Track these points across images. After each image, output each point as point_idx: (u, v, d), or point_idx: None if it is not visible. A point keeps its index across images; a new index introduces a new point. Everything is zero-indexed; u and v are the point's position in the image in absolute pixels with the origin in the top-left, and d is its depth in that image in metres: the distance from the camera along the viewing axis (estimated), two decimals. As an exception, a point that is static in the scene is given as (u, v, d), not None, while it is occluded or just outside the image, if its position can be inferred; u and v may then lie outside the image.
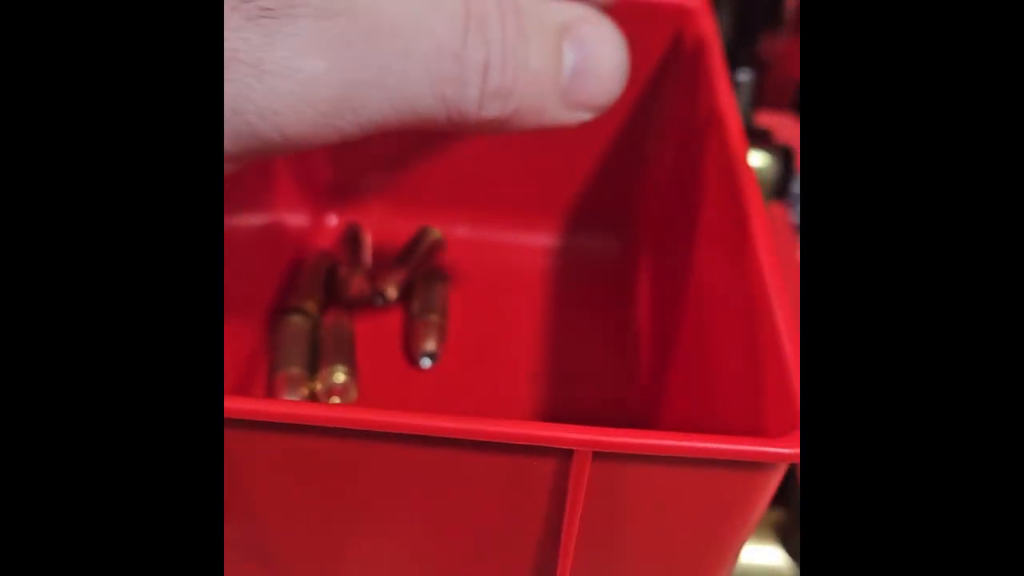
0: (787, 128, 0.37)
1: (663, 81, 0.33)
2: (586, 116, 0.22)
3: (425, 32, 0.19)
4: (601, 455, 0.18)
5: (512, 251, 0.36)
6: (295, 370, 0.30)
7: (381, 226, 0.36)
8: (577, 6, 0.22)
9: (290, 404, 0.18)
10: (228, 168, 0.19)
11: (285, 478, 0.19)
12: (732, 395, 0.23)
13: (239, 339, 0.30)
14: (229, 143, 0.18)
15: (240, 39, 0.18)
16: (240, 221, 0.30)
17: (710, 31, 0.30)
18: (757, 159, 0.34)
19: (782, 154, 0.34)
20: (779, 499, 0.28)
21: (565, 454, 0.18)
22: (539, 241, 0.36)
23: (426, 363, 0.32)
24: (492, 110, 0.20)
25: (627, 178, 0.35)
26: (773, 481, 0.19)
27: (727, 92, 0.27)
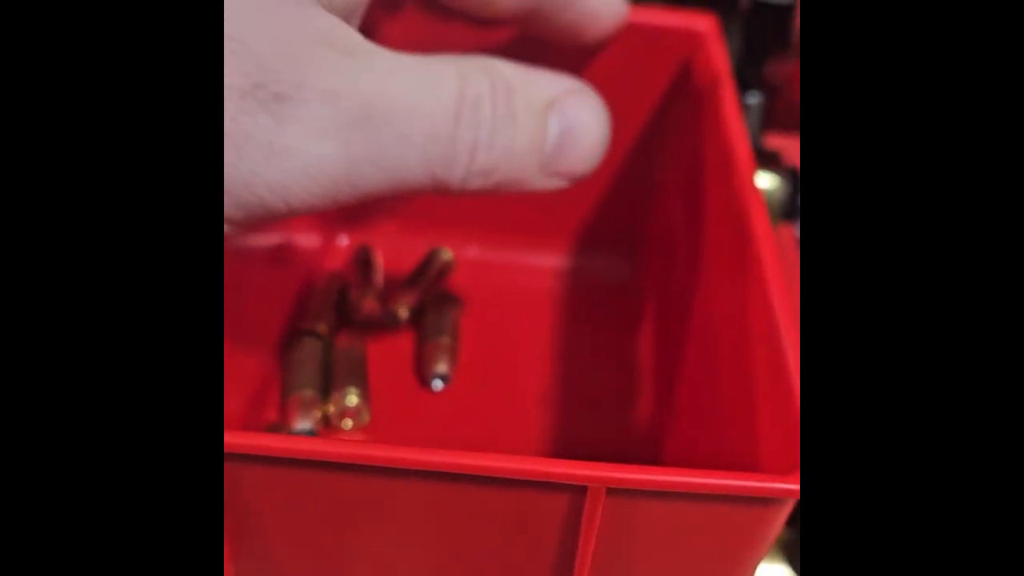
0: (796, 150, 0.37)
1: (673, 105, 0.33)
2: (564, 184, 0.23)
3: (424, 115, 0.20)
4: (614, 491, 0.18)
5: (523, 272, 0.36)
6: (308, 393, 0.30)
7: (392, 247, 0.36)
8: (565, 78, 0.23)
9: (296, 440, 0.18)
10: (233, 231, 0.20)
11: (294, 512, 0.20)
12: (737, 424, 0.23)
13: (252, 361, 0.31)
14: (239, 212, 0.20)
15: (253, 123, 0.19)
16: (251, 241, 0.31)
17: (720, 55, 0.31)
18: (766, 181, 0.34)
19: (791, 176, 0.34)
20: (787, 519, 0.28)
21: (578, 490, 0.18)
22: (550, 262, 0.36)
23: (438, 385, 0.32)
24: (475, 185, 0.21)
25: (637, 200, 0.35)
26: (783, 514, 0.19)
27: (736, 117, 0.28)
